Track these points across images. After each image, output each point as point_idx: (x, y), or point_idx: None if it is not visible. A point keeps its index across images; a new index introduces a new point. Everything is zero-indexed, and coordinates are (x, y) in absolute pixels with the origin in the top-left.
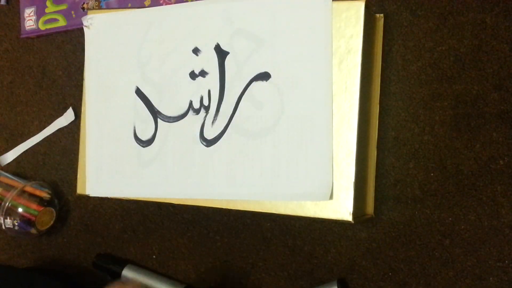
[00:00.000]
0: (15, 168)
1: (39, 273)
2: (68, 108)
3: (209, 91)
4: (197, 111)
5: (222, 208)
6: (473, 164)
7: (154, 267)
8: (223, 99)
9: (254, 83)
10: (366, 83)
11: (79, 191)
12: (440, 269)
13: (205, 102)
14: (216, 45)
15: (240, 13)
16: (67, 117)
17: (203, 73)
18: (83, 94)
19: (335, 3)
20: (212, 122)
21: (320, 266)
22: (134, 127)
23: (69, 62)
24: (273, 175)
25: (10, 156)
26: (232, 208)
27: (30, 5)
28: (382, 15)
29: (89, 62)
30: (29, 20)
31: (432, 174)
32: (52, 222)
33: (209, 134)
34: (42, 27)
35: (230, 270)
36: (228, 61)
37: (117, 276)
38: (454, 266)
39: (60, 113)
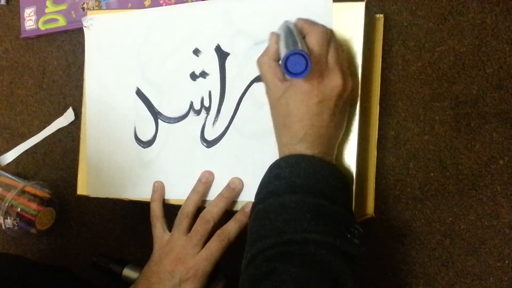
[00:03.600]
0: (15, 168)
1: (47, 266)
2: (68, 108)
3: (209, 92)
4: (198, 112)
5: None
6: (473, 164)
7: None
8: (224, 100)
9: (255, 84)
10: (366, 83)
11: (80, 191)
12: (440, 269)
13: (206, 103)
14: (216, 46)
15: (241, 14)
16: (67, 117)
17: (203, 74)
18: (83, 94)
19: (335, 4)
20: (213, 123)
21: None
22: (135, 128)
23: (69, 62)
24: None
25: (10, 156)
26: (233, 209)
27: (30, 5)
28: (382, 15)
29: (89, 62)
30: (29, 20)
31: (432, 174)
32: (52, 222)
33: (210, 135)
34: (42, 27)
35: (230, 270)
36: (228, 62)
37: (117, 276)
38: (454, 266)
39: (60, 113)
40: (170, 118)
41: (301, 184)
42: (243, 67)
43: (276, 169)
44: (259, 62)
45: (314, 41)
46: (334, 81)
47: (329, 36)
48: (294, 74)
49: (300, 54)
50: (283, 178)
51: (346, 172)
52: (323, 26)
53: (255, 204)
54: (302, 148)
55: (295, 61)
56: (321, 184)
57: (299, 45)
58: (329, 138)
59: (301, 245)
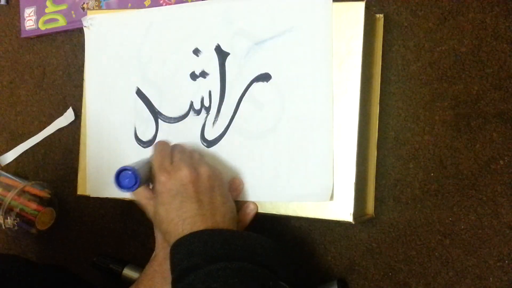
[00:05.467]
0: (15, 168)
1: (47, 266)
2: (68, 108)
3: (209, 92)
4: (198, 112)
5: None
6: (473, 164)
7: None
8: (224, 100)
9: (254, 84)
10: (366, 83)
11: (80, 191)
12: (440, 269)
13: (206, 103)
14: (216, 46)
15: (241, 14)
16: (67, 117)
17: (203, 74)
18: (83, 94)
19: (335, 4)
20: (213, 123)
21: (320, 266)
22: (135, 128)
23: (69, 62)
24: (273, 176)
25: (10, 156)
26: None
27: (30, 5)
28: (382, 15)
29: (89, 62)
30: (29, 20)
31: (432, 174)
32: (52, 222)
33: (210, 135)
34: (42, 27)
35: None
36: (228, 61)
37: (117, 276)
38: (454, 266)
39: (60, 113)
40: (170, 118)
41: (220, 254)
42: (243, 67)
43: (186, 247)
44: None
45: (154, 155)
46: (180, 172)
47: (169, 146)
48: (124, 188)
49: (128, 170)
50: (198, 254)
51: (346, 172)
52: (161, 142)
53: (174, 281)
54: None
55: (127, 177)
56: (234, 249)
57: (134, 164)
58: (220, 221)
59: None
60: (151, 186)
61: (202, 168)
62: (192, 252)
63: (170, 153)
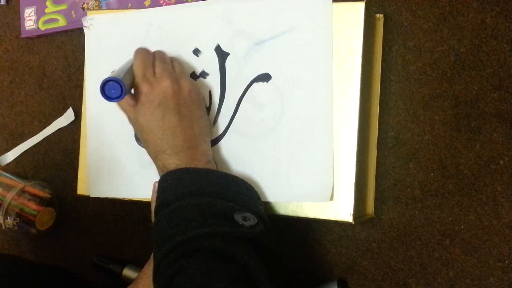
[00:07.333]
0: (15, 168)
1: (45, 266)
2: (68, 108)
3: (210, 92)
4: None
5: None
6: (473, 164)
7: None
8: (224, 100)
9: (254, 84)
10: (366, 83)
11: (80, 191)
12: (440, 269)
13: (206, 103)
14: (216, 46)
15: (240, 14)
16: (67, 117)
17: (203, 74)
18: (83, 94)
19: (335, 4)
20: (213, 123)
21: (320, 266)
22: None
23: (69, 62)
24: (273, 176)
25: (10, 156)
26: None
27: (30, 5)
28: (382, 15)
29: (89, 62)
30: (29, 20)
31: (432, 174)
32: (52, 222)
33: None
34: (42, 27)
35: None
36: (228, 62)
37: (117, 276)
38: (454, 266)
39: (60, 113)
40: None
41: (188, 191)
42: (243, 67)
43: (163, 183)
44: None
45: (136, 64)
46: (163, 84)
47: (151, 55)
48: (110, 98)
49: (115, 81)
50: (170, 190)
51: (346, 173)
52: (143, 50)
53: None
54: (174, 160)
55: (113, 87)
56: (204, 186)
57: (117, 72)
58: (194, 142)
59: (195, 242)
60: (133, 91)
61: (184, 81)
62: (164, 189)
63: (152, 62)
